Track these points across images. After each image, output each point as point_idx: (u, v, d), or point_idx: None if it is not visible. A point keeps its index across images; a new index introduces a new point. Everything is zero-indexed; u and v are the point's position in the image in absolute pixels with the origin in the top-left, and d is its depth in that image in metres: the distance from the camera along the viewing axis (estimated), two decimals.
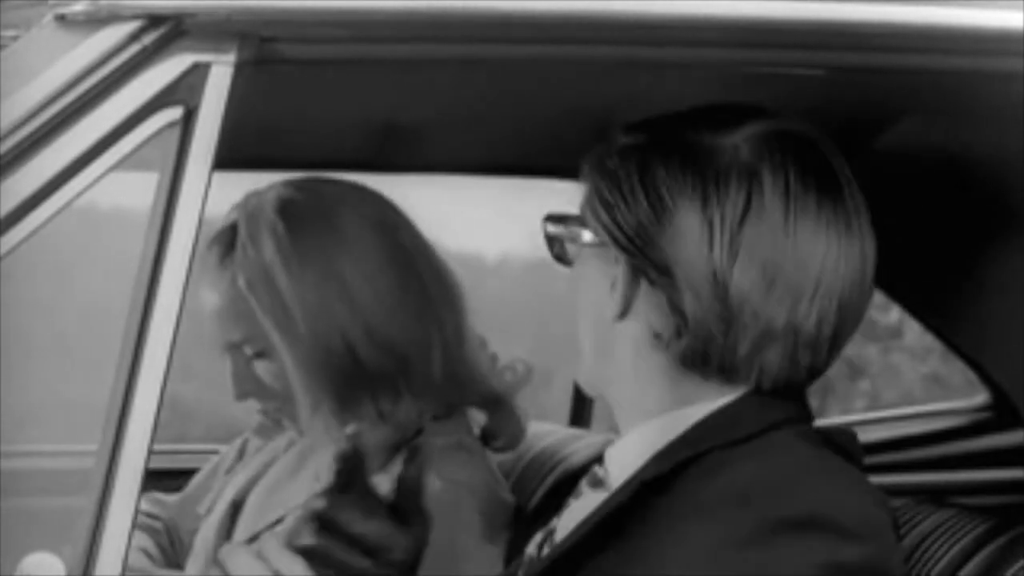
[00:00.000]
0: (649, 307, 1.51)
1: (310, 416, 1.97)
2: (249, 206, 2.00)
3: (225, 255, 1.99)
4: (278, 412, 2.02)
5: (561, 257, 1.61)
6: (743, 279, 1.47)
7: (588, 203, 1.55)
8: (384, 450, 2.00)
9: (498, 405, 2.05)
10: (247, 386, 2.01)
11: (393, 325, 1.96)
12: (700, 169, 1.49)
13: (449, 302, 2.01)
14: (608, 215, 1.52)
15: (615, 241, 1.52)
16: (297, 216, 1.98)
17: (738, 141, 1.50)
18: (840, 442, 1.53)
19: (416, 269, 1.99)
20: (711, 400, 1.52)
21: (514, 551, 1.80)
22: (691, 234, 1.48)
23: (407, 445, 1.99)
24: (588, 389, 1.64)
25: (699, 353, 1.50)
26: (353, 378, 1.96)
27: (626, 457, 1.56)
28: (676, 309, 1.49)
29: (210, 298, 2.00)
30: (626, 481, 1.53)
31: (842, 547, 1.42)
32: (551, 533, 1.62)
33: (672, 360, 1.52)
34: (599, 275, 1.55)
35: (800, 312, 1.48)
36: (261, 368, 2.00)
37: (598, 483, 1.59)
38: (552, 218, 1.61)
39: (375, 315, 1.95)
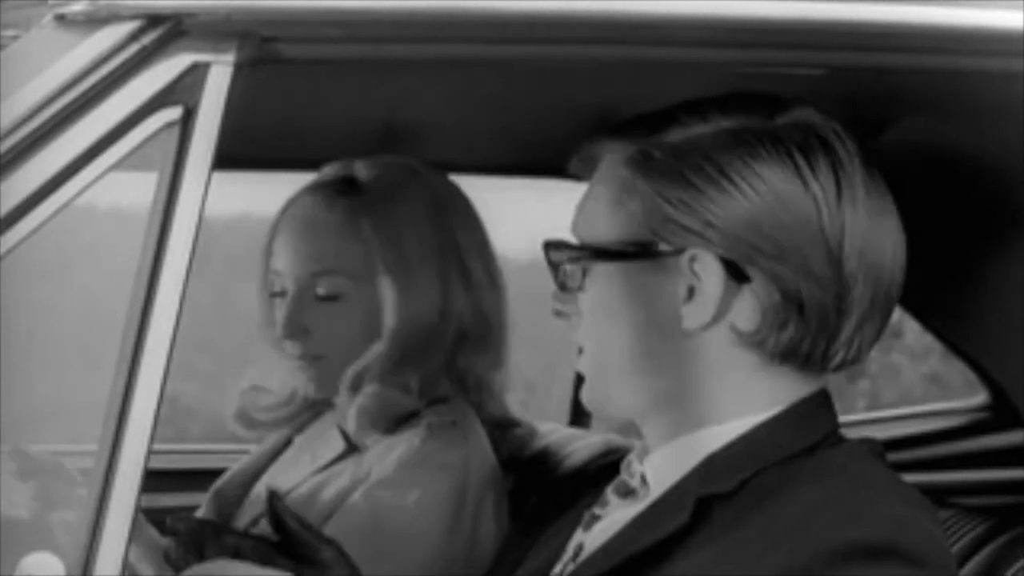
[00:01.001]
0: (738, 306, 1.45)
1: (356, 372, 2.03)
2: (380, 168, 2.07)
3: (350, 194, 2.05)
4: (310, 360, 2.05)
5: (567, 285, 1.53)
6: (852, 255, 1.45)
7: (646, 211, 1.47)
8: (386, 420, 2.03)
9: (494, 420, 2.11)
10: (298, 325, 2.04)
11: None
12: (788, 150, 1.45)
13: (491, 302, 2.09)
14: (691, 216, 1.45)
15: (705, 241, 1.44)
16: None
17: (800, 121, 1.48)
18: (883, 454, 1.51)
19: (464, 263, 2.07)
20: (783, 400, 1.47)
21: (514, 544, 1.79)
22: (801, 216, 1.44)
23: (405, 421, 2.04)
24: (612, 413, 1.55)
25: (805, 341, 1.45)
26: (430, 347, 2.04)
27: (668, 468, 1.49)
28: (789, 297, 1.44)
29: (321, 222, 2.04)
30: (676, 495, 1.47)
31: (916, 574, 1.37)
32: (580, 548, 1.55)
33: (767, 356, 1.46)
34: (655, 289, 1.47)
35: (888, 282, 1.48)
36: (328, 310, 2.03)
37: (629, 493, 1.53)
38: (554, 245, 1.54)
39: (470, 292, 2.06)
